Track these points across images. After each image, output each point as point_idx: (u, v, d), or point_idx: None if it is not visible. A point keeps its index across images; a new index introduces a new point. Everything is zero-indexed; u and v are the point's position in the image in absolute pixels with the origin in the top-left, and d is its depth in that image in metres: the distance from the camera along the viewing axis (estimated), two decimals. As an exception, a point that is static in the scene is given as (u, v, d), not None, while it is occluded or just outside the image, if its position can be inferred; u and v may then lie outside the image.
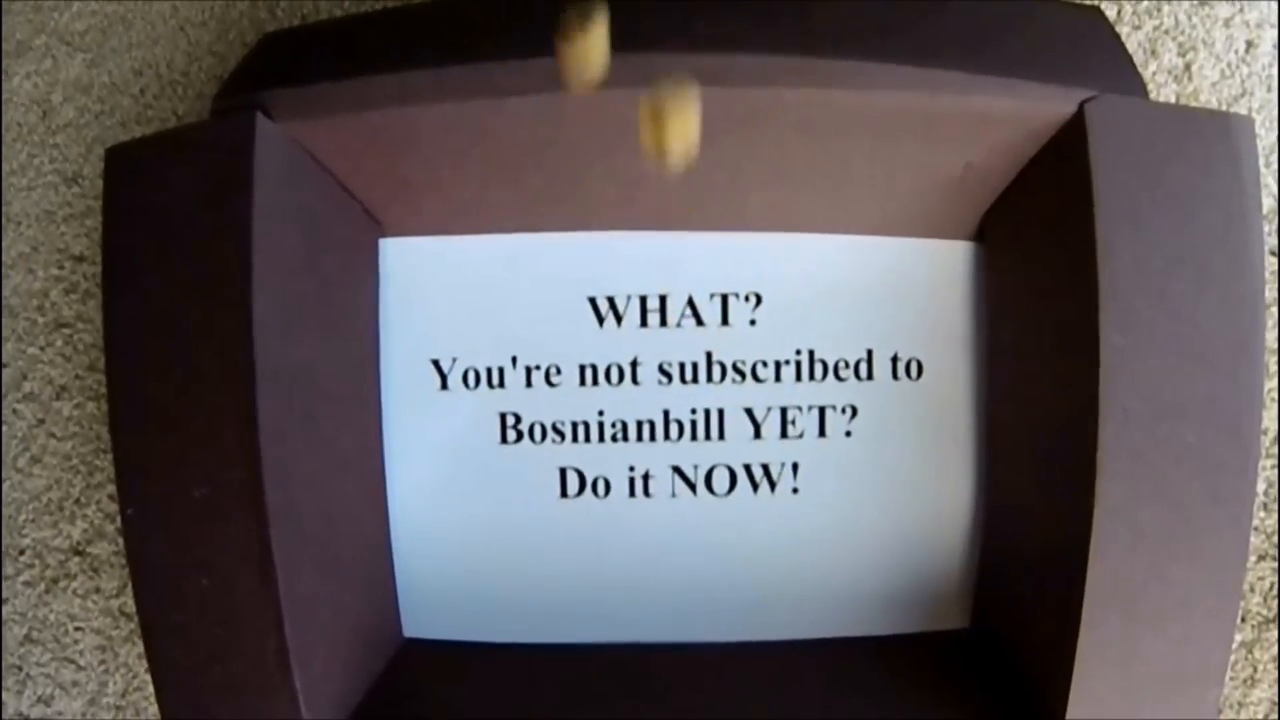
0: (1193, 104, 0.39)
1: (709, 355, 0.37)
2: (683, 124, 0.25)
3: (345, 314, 0.36)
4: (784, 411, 0.37)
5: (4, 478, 0.41)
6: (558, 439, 0.37)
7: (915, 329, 0.37)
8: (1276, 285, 0.38)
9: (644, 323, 0.37)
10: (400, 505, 0.37)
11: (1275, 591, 0.39)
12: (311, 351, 0.33)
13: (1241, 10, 0.39)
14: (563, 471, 0.37)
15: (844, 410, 0.37)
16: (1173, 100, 0.39)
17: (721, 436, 0.37)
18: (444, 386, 0.37)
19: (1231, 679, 0.40)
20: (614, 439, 0.37)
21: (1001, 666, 0.35)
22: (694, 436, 0.37)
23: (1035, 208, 0.34)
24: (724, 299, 0.37)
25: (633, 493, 0.37)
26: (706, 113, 0.32)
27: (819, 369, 0.37)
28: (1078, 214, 0.31)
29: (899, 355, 0.37)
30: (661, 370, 0.37)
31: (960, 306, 0.36)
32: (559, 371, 0.37)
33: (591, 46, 0.25)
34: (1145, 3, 0.39)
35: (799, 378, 0.37)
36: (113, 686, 0.42)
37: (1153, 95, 0.37)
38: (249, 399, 0.31)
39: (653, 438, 0.37)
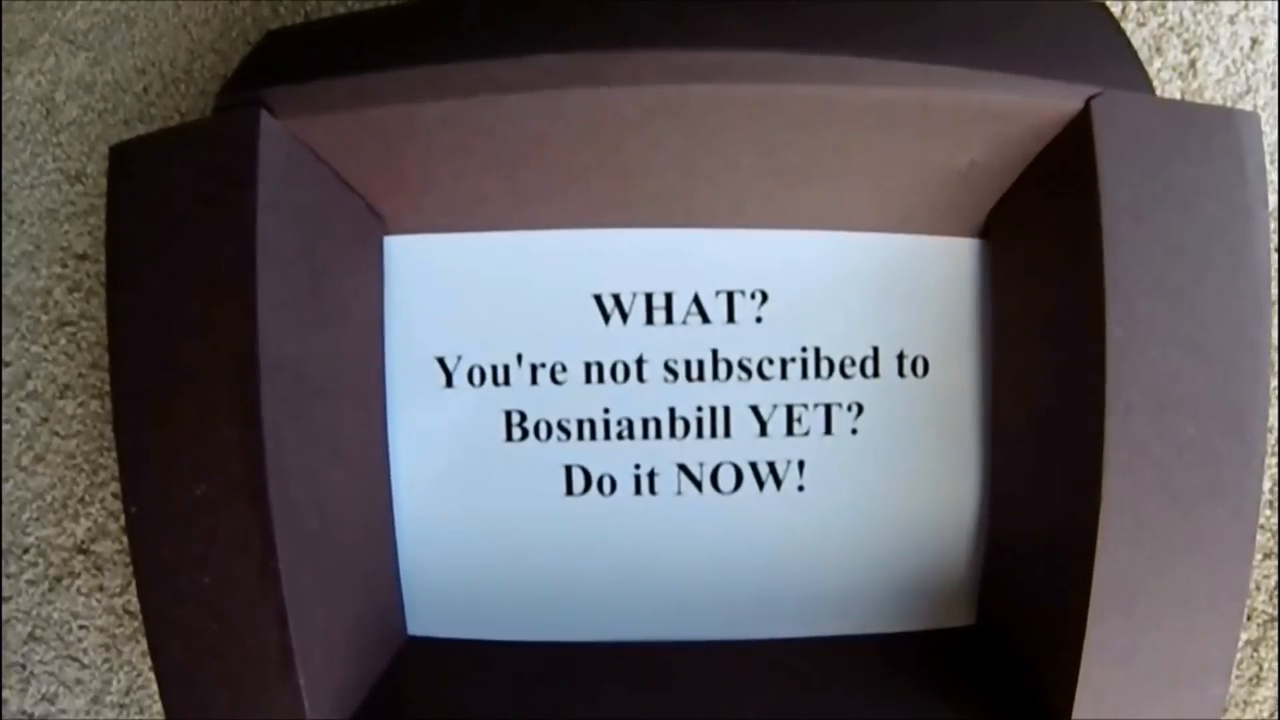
0: (1197, 101, 0.39)
1: (715, 353, 0.37)
2: None
3: (348, 310, 0.35)
4: (790, 409, 0.37)
5: (8, 476, 0.41)
6: (563, 436, 0.37)
7: (921, 326, 0.36)
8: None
9: (649, 320, 0.37)
10: (404, 503, 0.37)
11: (1280, 589, 0.39)
12: (315, 348, 0.33)
13: (1246, 7, 0.39)
14: (568, 469, 0.37)
15: (850, 408, 0.37)
16: (1178, 97, 0.39)
17: (727, 434, 0.37)
18: (449, 384, 0.37)
19: (1236, 677, 0.40)
20: (620, 437, 0.37)
21: (1007, 663, 0.35)
22: (700, 434, 0.37)
23: (1041, 204, 0.34)
24: (730, 296, 0.37)
25: (638, 490, 0.37)
26: (707, 110, 0.33)
27: (825, 366, 0.37)
28: (1083, 210, 0.31)
29: (905, 353, 0.37)
30: (667, 368, 0.37)
31: (966, 304, 0.36)
32: (564, 369, 0.37)
33: None
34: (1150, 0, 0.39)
35: (805, 375, 0.37)
36: (116, 684, 0.42)
37: (1157, 92, 0.37)
38: (252, 395, 0.31)
39: (658, 435, 0.37)
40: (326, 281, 0.34)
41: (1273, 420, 0.39)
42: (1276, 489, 0.39)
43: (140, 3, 0.41)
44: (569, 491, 0.37)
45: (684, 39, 0.32)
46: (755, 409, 0.37)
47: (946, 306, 0.36)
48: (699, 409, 0.37)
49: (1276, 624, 0.39)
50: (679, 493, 0.37)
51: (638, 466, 0.37)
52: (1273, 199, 0.38)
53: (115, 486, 0.41)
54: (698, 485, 0.37)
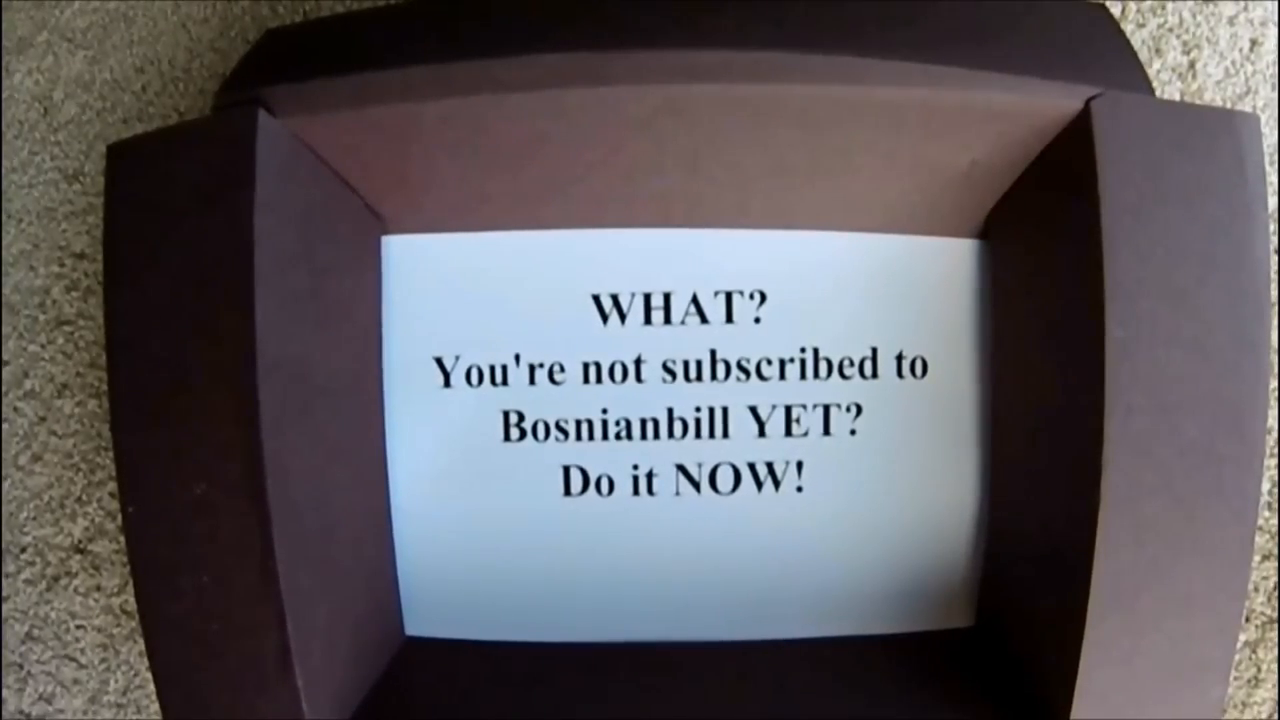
0: (1197, 102, 0.39)
1: (713, 353, 0.37)
2: None
3: (347, 310, 0.35)
4: (788, 410, 0.37)
5: (5, 475, 0.41)
6: (561, 437, 0.37)
7: (920, 327, 0.36)
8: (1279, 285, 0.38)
9: (648, 320, 0.37)
10: (402, 503, 0.37)
11: (1279, 591, 0.39)
12: (313, 348, 0.33)
13: (1246, 8, 0.39)
14: (566, 470, 0.37)
15: (848, 408, 0.37)
16: (1177, 98, 0.39)
17: (725, 435, 0.37)
18: (447, 384, 0.37)
19: (1235, 679, 0.40)
20: (618, 437, 0.37)
21: (1006, 664, 0.35)
22: (698, 435, 0.37)
23: (1040, 205, 0.34)
24: (728, 296, 0.37)
25: (636, 491, 0.37)
26: (710, 109, 0.33)
27: (823, 367, 0.37)
28: (1083, 211, 0.31)
29: (904, 353, 0.37)
30: (665, 368, 0.37)
31: (965, 304, 0.36)
32: (562, 369, 0.37)
33: None
34: (1149, 1, 0.39)
35: (803, 376, 0.37)
36: (114, 684, 0.42)
37: (1157, 93, 0.37)
38: (250, 395, 0.31)
39: (656, 436, 0.37)
40: (325, 281, 0.34)
41: (1272, 421, 0.39)
42: (1276, 490, 0.39)
43: (139, 1, 0.40)
44: (567, 492, 0.37)
45: (687, 38, 0.32)
46: (754, 409, 0.37)
47: (946, 307, 0.36)
48: (697, 409, 0.37)
49: (1275, 625, 0.39)
50: (677, 493, 0.37)
51: (636, 467, 0.37)
52: (1272, 200, 0.38)
53: (113, 486, 0.41)
54: (696, 486, 0.37)
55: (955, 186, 0.34)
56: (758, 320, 0.37)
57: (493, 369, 0.37)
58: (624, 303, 0.37)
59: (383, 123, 0.33)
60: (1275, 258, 0.38)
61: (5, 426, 0.41)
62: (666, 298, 0.37)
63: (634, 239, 0.36)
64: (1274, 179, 0.39)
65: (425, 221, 0.36)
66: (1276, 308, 0.38)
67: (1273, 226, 0.38)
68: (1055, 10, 0.34)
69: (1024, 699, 0.34)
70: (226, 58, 0.40)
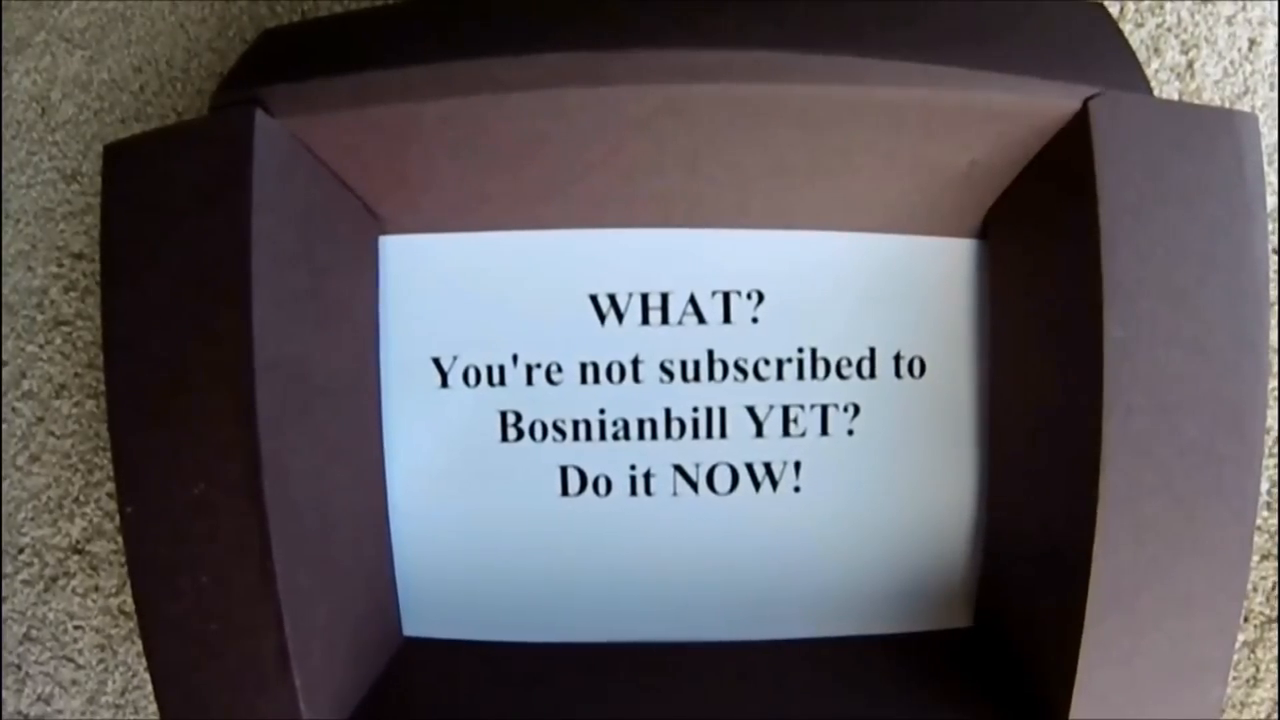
0: (1195, 102, 0.39)
1: (711, 353, 0.37)
2: None
3: (344, 310, 0.35)
4: (786, 410, 0.37)
5: (3, 476, 0.41)
6: (559, 437, 0.37)
7: (918, 327, 0.36)
8: (1278, 284, 0.38)
9: (645, 320, 0.37)
10: (400, 503, 0.37)
11: (1278, 591, 0.39)
12: (310, 348, 0.33)
13: (1244, 8, 0.39)
14: (564, 470, 0.37)
15: (846, 409, 0.37)
16: (1175, 98, 0.39)
17: (723, 435, 0.37)
18: (444, 384, 0.37)
19: (1234, 679, 0.40)
20: (615, 437, 0.37)
21: (1005, 665, 0.35)
22: (695, 435, 0.37)
23: (1039, 204, 0.34)
24: (726, 296, 0.37)
25: (634, 491, 0.37)
26: (710, 109, 0.33)
27: (821, 367, 0.37)
28: (1082, 210, 0.31)
29: (902, 353, 0.37)
30: (663, 368, 0.37)
31: (964, 304, 0.36)
32: (560, 369, 0.37)
33: None
34: (1148, 0, 0.39)
35: (801, 376, 0.37)
36: (112, 685, 0.42)
37: (1155, 93, 0.37)
38: (248, 396, 0.31)
39: (654, 436, 0.37)
40: (323, 281, 0.34)
41: (1272, 421, 0.39)
42: (1275, 490, 0.39)
43: (137, 1, 0.40)
44: (564, 492, 0.37)
45: (687, 38, 0.32)
46: (751, 410, 0.37)
47: (944, 307, 0.36)
48: (695, 410, 0.37)
49: (1275, 625, 0.39)
50: (675, 494, 0.37)
51: (633, 467, 0.37)
52: (1271, 200, 0.38)
53: (111, 486, 0.41)
54: (694, 486, 0.37)
55: (955, 186, 0.34)
56: (755, 320, 0.37)
57: (490, 369, 0.37)
58: (621, 303, 0.37)
59: (382, 123, 0.33)
60: (1275, 258, 0.38)
61: (4, 427, 0.41)
62: (664, 298, 0.37)
63: (632, 239, 0.36)
64: (1273, 179, 0.39)
65: (425, 221, 0.36)
66: (1276, 308, 0.38)
67: (1272, 226, 0.38)
68: (1054, 10, 0.34)
69: (1024, 699, 0.34)
70: (224, 58, 0.40)
